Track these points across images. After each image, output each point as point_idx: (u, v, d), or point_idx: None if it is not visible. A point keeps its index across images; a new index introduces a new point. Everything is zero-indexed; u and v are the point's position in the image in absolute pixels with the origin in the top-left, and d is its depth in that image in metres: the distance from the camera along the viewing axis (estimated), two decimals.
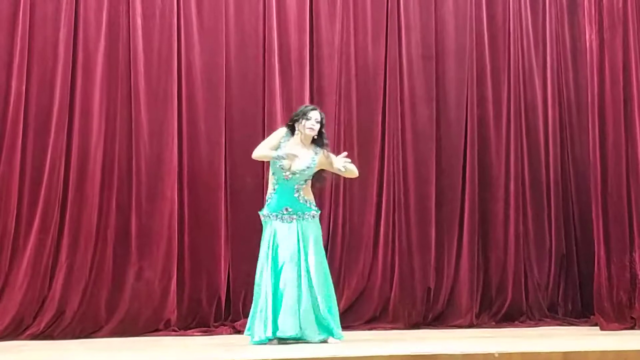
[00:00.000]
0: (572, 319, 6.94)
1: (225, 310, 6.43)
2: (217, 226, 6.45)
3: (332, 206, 6.69)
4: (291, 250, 5.27)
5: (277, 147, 5.37)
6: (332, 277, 6.54)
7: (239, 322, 6.35)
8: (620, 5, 6.62)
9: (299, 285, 5.23)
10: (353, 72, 6.82)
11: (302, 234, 5.33)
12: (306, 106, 5.59)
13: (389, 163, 6.80)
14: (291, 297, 5.18)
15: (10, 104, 6.10)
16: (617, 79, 6.58)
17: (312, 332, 5.22)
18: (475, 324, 6.76)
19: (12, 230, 6.04)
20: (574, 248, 7.13)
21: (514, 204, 6.99)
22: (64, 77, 6.21)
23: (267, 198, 5.41)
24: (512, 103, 7.08)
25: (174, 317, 6.27)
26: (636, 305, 6.46)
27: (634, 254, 6.50)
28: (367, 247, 6.71)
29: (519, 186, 7.03)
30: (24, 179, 6.12)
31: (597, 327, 6.44)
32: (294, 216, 5.35)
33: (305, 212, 5.37)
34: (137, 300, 6.23)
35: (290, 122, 5.47)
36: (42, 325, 5.99)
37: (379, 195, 6.78)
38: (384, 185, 6.78)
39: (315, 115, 5.44)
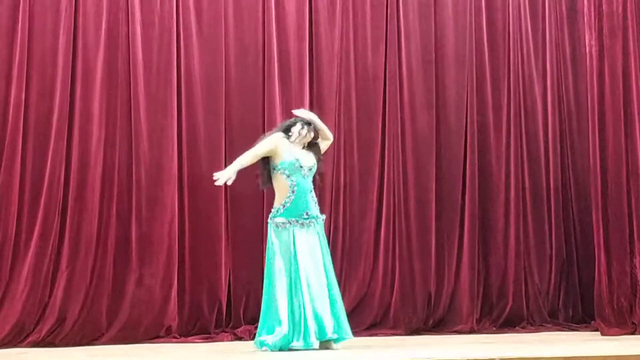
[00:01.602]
0: (572, 325, 6.93)
1: (226, 316, 6.43)
2: (218, 233, 6.45)
3: (333, 212, 6.69)
4: (316, 258, 5.29)
5: (263, 153, 5.39)
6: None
7: (239, 329, 6.36)
8: (620, 11, 6.63)
9: (330, 289, 5.29)
10: (353, 78, 6.83)
11: (322, 239, 5.37)
12: (290, 120, 5.61)
13: (389, 169, 6.80)
14: (327, 301, 5.24)
15: (10, 112, 6.11)
16: (617, 85, 6.59)
17: (345, 333, 5.34)
18: (476, 329, 6.76)
19: (13, 238, 6.05)
20: (575, 253, 7.13)
21: (514, 210, 6.99)
22: (64, 86, 6.22)
23: (281, 203, 5.36)
24: (512, 109, 7.08)
25: (174, 324, 6.28)
26: (637, 310, 6.46)
27: (634, 259, 6.50)
28: (367, 253, 6.72)
29: (519, 192, 7.03)
30: (24, 187, 6.13)
31: (598, 333, 6.44)
32: (313, 220, 5.36)
33: (318, 217, 5.41)
34: (138, 307, 6.23)
35: (283, 126, 5.52)
36: (43, 332, 6.00)
37: (379, 201, 6.78)
38: (384, 191, 6.78)
39: (301, 127, 5.47)
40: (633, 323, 6.45)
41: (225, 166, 6.50)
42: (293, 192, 5.36)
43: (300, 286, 5.23)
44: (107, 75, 6.34)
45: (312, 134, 5.50)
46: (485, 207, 6.98)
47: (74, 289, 6.12)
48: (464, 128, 6.96)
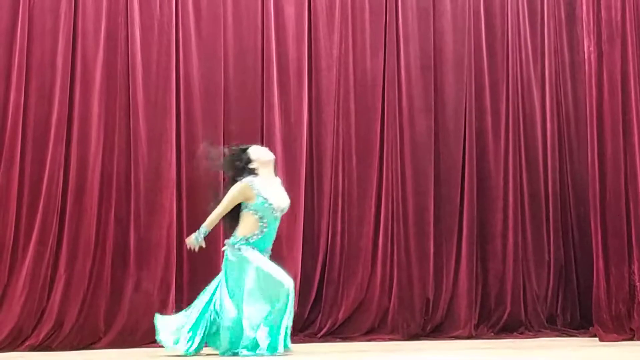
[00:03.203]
0: (570, 330, 6.93)
1: None
2: (216, 237, 6.40)
3: (331, 217, 6.69)
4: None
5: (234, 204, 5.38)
6: (331, 288, 6.63)
7: None
8: (619, 17, 6.65)
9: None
10: (351, 83, 6.83)
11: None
12: (234, 148, 5.59)
13: (388, 174, 6.80)
14: None
15: (9, 115, 6.11)
16: (616, 91, 6.60)
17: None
18: (474, 335, 6.75)
19: (11, 242, 6.04)
20: (573, 259, 7.13)
21: (512, 216, 6.99)
22: (63, 89, 6.22)
23: (246, 237, 5.33)
24: (510, 114, 7.09)
25: None
26: (635, 316, 6.46)
27: (632, 265, 6.50)
28: (365, 259, 6.71)
29: (518, 197, 7.03)
30: (23, 190, 6.12)
31: (596, 338, 6.45)
32: (267, 254, 5.43)
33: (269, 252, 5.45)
34: (136, 312, 6.22)
35: (239, 169, 5.45)
36: (41, 336, 5.98)
37: (378, 206, 6.78)
38: (383, 196, 6.78)
39: (257, 149, 5.52)
40: (631, 329, 6.45)
41: (224, 172, 6.51)
42: (263, 232, 5.37)
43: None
44: (106, 79, 6.34)
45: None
46: (483, 212, 6.98)
47: (72, 293, 6.11)
48: (463, 133, 6.96)
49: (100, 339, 6.15)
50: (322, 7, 6.80)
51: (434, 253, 6.83)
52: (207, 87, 6.54)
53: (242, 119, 6.62)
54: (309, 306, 6.59)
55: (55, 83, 6.21)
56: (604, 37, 6.64)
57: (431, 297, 6.76)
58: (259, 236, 5.35)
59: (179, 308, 6.30)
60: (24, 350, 5.91)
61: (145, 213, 6.32)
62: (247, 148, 5.55)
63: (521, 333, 6.83)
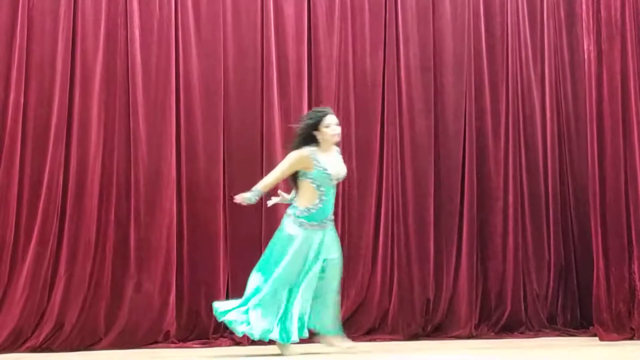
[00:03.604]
0: (571, 330, 6.93)
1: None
2: (216, 238, 6.45)
3: None
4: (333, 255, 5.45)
5: (290, 172, 5.43)
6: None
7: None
8: (619, 16, 6.64)
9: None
10: (351, 84, 6.83)
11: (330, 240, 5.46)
12: (317, 112, 5.58)
13: (388, 175, 6.80)
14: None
15: (9, 116, 6.10)
16: (616, 90, 6.60)
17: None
18: (474, 334, 6.75)
19: (11, 243, 6.04)
20: (573, 259, 7.12)
21: (512, 216, 6.99)
22: (62, 90, 6.21)
23: (308, 208, 5.38)
24: (510, 114, 7.08)
25: (173, 329, 6.27)
26: (635, 315, 6.46)
27: (632, 265, 6.50)
28: (365, 259, 6.70)
29: (518, 198, 7.03)
30: (23, 191, 6.12)
31: (596, 338, 6.44)
32: (328, 222, 5.46)
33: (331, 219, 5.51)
34: (136, 313, 6.22)
35: (304, 134, 5.47)
36: (41, 337, 5.99)
37: (378, 206, 6.77)
38: (383, 196, 6.77)
39: (332, 120, 5.47)
40: (631, 328, 6.45)
41: (224, 171, 6.54)
42: (321, 200, 5.39)
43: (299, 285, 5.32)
44: (106, 80, 6.33)
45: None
46: (483, 212, 6.98)
47: (72, 294, 6.11)
48: (463, 134, 6.95)
49: (100, 339, 6.15)
50: (322, 7, 6.79)
51: (434, 253, 6.83)
52: (207, 88, 6.54)
53: (242, 120, 6.62)
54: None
55: (55, 84, 6.21)
56: (604, 36, 6.63)
57: (431, 297, 6.76)
58: (319, 205, 5.37)
59: (179, 309, 6.32)
60: (24, 351, 5.92)
61: (145, 214, 6.32)
62: (325, 114, 5.50)
63: (521, 333, 6.83)
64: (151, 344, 6.21)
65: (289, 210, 5.49)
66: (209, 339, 6.33)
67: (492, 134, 7.05)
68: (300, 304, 5.33)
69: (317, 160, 5.39)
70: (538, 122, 7.15)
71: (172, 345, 6.22)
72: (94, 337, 6.14)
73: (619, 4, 6.67)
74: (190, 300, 6.38)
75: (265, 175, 6.48)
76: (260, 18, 6.68)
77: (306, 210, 5.39)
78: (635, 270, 6.50)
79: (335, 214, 6.64)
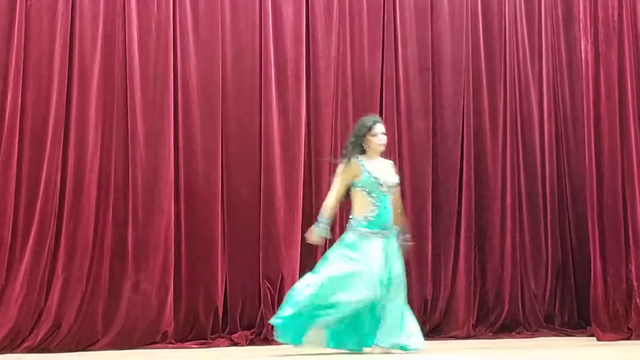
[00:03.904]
0: (568, 330, 6.94)
1: (222, 322, 6.40)
2: (214, 238, 6.44)
3: None
4: (397, 269, 5.35)
5: (347, 186, 5.35)
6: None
7: (236, 334, 6.34)
8: (616, 17, 6.66)
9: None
10: (349, 84, 6.83)
11: (390, 248, 5.36)
12: (366, 119, 5.53)
13: None
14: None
15: (6, 116, 6.07)
16: (613, 91, 6.62)
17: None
18: (472, 335, 6.76)
19: (9, 243, 6.00)
20: (570, 259, 7.14)
21: (510, 216, 7.00)
22: (60, 90, 6.19)
23: (365, 216, 5.30)
24: (508, 115, 7.10)
25: (170, 330, 6.25)
26: (632, 315, 6.49)
27: (629, 265, 6.52)
28: None
29: (515, 198, 7.05)
30: (20, 192, 6.09)
31: (594, 338, 6.46)
32: (390, 232, 5.36)
33: (393, 227, 5.40)
34: (134, 313, 6.20)
35: (352, 142, 5.42)
36: (39, 338, 5.96)
37: None
38: None
39: (379, 128, 5.43)
40: (629, 328, 6.47)
41: (222, 171, 6.52)
42: (377, 207, 5.33)
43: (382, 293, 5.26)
44: (104, 80, 6.32)
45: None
46: (481, 213, 6.99)
47: (70, 294, 6.09)
48: (461, 134, 6.97)
49: (98, 340, 6.13)
50: (320, 8, 6.79)
51: (432, 253, 6.83)
52: (205, 88, 6.53)
53: (240, 120, 6.61)
54: None
55: (53, 84, 6.19)
56: (601, 36, 6.65)
57: (429, 298, 6.76)
58: (375, 212, 5.31)
59: (177, 309, 6.31)
60: (21, 351, 5.89)
61: (143, 214, 6.30)
62: (374, 123, 5.46)
63: (519, 333, 6.85)
64: (149, 344, 6.19)
65: (350, 222, 5.41)
66: (207, 339, 6.32)
67: (490, 134, 7.07)
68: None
69: (364, 167, 5.36)
70: (536, 122, 7.16)
71: (170, 345, 6.20)
72: (92, 338, 6.12)
73: (616, 4, 6.69)
74: (188, 300, 6.37)
75: (264, 175, 6.55)
76: (258, 18, 6.68)
77: (364, 219, 5.34)
78: (633, 270, 6.52)
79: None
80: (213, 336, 6.35)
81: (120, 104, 6.35)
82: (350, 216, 5.41)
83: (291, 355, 5.28)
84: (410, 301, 6.65)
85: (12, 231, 6.03)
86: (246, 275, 6.50)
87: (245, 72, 6.64)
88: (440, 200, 6.91)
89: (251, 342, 6.35)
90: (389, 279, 5.28)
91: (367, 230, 5.29)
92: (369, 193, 5.32)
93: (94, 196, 6.21)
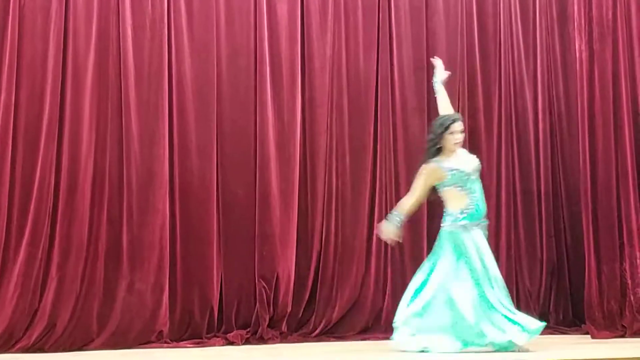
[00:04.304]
0: (563, 328, 6.94)
1: (217, 321, 6.39)
2: (209, 237, 6.42)
3: (325, 217, 6.67)
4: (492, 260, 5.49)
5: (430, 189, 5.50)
6: (325, 288, 6.64)
7: (231, 334, 6.33)
8: (610, 16, 6.67)
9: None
10: (345, 83, 6.81)
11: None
12: (444, 119, 5.61)
13: (381, 174, 6.79)
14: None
15: (0, 115, 6.05)
16: (607, 90, 6.63)
17: None
18: None
19: (2, 243, 5.97)
20: (565, 257, 7.14)
21: (505, 214, 7.00)
22: (54, 89, 6.16)
23: (462, 210, 5.42)
24: (503, 113, 7.10)
25: (166, 329, 6.23)
26: (627, 313, 6.50)
27: (624, 263, 6.54)
28: (359, 258, 6.70)
29: (510, 196, 7.05)
30: (14, 191, 6.06)
31: (588, 336, 6.46)
32: (484, 224, 5.47)
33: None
34: (129, 313, 6.18)
35: (431, 141, 5.52)
36: (33, 338, 5.94)
37: (371, 206, 6.76)
38: (376, 196, 6.76)
39: (457, 127, 5.51)
40: (623, 326, 6.48)
41: (217, 171, 6.50)
42: (473, 198, 5.43)
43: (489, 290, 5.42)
44: (98, 79, 6.28)
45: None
46: None
47: (64, 294, 6.07)
48: None
49: (93, 340, 6.11)
50: (315, 6, 6.77)
51: (428, 252, 6.79)
52: (199, 87, 6.51)
53: (235, 119, 6.59)
54: (303, 306, 6.57)
55: (46, 83, 6.15)
56: (595, 35, 6.66)
57: None
58: (472, 203, 5.41)
59: (172, 309, 6.29)
60: (16, 352, 5.87)
61: (138, 213, 6.28)
62: (453, 121, 5.55)
63: None
64: (144, 344, 6.17)
65: (446, 220, 5.51)
66: (202, 338, 6.30)
67: (485, 133, 7.06)
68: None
69: (445, 167, 5.42)
70: (530, 121, 7.17)
71: (165, 345, 6.19)
72: (87, 338, 6.10)
73: (610, 3, 6.70)
74: (183, 300, 6.36)
75: (259, 174, 6.54)
76: (253, 17, 6.65)
77: (460, 212, 5.42)
78: (627, 268, 6.54)
79: (329, 213, 6.69)
80: (208, 335, 6.33)
81: (114, 103, 6.32)
82: (445, 213, 5.53)
83: (287, 354, 5.28)
84: None
85: (5, 231, 6.01)
86: (242, 274, 6.49)
87: (240, 71, 6.62)
88: (435, 199, 6.89)
89: (247, 342, 6.34)
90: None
91: (468, 222, 5.36)
92: (462, 188, 5.38)
93: (88, 195, 6.19)
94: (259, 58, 6.62)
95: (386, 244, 6.70)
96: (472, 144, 6.99)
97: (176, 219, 6.38)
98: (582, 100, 6.63)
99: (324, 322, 6.54)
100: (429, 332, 5.43)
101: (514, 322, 5.40)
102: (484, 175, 6.96)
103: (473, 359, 5.30)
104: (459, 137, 5.55)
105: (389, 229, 5.48)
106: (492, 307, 5.40)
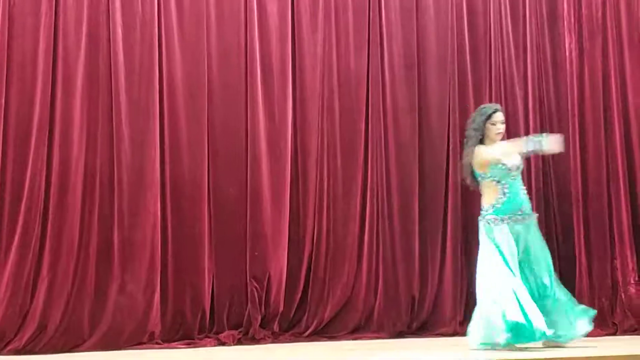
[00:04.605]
0: None
1: (209, 322, 6.37)
2: (201, 238, 6.40)
3: (316, 217, 6.66)
4: (541, 252, 5.46)
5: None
6: (317, 288, 6.63)
7: (223, 334, 6.31)
8: (600, 15, 6.71)
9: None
10: (335, 82, 6.81)
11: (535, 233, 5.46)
12: (485, 109, 5.64)
13: (372, 173, 6.79)
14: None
15: None
16: (597, 88, 6.67)
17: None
18: (459, 332, 6.73)
19: None
20: (556, 255, 7.12)
21: None
22: (44, 90, 6.13)
23: (492, 204, 5.43)
24: None
25: (157, 330, 6.21)
26: (617, 311, 6.53)
27: (615, 261, 6.57)
28: (351, 257, 6.69)
29: None
30: (4, 192, 6.04)
31: None
32: (527, 216, 5.43)
33: (530, 211, 5.48)
34: (120, 314, 6.16)
35: (473, 130, 5.54)
36: (24, 340, 5.91)
37: (363, 205, 6.76)
38: (368, 195, 6.76)
39: (499, 117, 5.52)
40: (614, 323, 6.51)
41: (208, 170, 6.48)
42: (505, 193, 5.41)
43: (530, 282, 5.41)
44: (88, 79, 6.26)
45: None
46: (468, 210, 6.96)
47: (55, 295, 6.04)
48: (447, 132, 6.95)
49: (84, 341, 6.08)
50: (306, 5, 6.77)
51: (419, 251, 6.83)
52: (190, 86, 6.49)
53: (226, 118, 6.58)
54: (295, 305, 6.56)
55: (37, 83, 6.12)
56: (585, 34, 6.70)
57: (417, 295, 6.76)
58: (504, 198, 5.40)
59: (163, 309, 6.28)
60: (7, 354, 5.83)
61: (129, 214, 6.25)
62: (494, 111, 5.58)
63: None
64: (136, 345, 6.15)
65: (481, 212, 5.53)
66: (194, 339, 6.28)
67: None
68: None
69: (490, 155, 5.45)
70: (521, 119, 7.17)
71: (157, 346, 6.16)
72: (78, 339, 6.07)
73: (600, 2, 6.74)
74: (175, 300, 6.34)
75: (251, 174, 6.54)
76: (243, 16, 6.63)
77: (491, 207, 5.43)
78: (618, 266, 6.57)
79: (320, 212, 6.68)
80: (200, 336, 6.31)
81: (105, 103, 6.30)
82: (481, 209, 5.55)
83: (279, 354, 5.28)
84: (398, 299, 6.74)
85: None
86: (233, 274, 6.48)
87: (231, 71, 6.61)
88: (427, 198, 6.91)
89: (238, 342, 6.33)
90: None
91: (495, 217, 5.38)
92: (498, 182, 5.41)
93: (79, 196, 6.16)
94: (250, 57, 6.61)
95: (377, 243, 6.74)
96: (462, 143, 7.00)
97: (167, 219, 6.37)
98: (572, 98, 6.67)
99: (315, 321, 6.53)
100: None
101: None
102: None
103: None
104: (501, 127, 5.56)
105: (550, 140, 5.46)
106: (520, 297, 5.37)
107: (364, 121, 6.83)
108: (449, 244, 6.87)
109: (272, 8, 6.68)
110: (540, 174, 7.16)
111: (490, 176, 5.48)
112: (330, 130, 6.77)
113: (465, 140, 5.70)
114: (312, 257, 6.63)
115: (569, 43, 6.70)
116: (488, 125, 5.55)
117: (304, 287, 6.61)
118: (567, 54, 6.72)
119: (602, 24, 6.71)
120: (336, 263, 6.66)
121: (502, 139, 5.74)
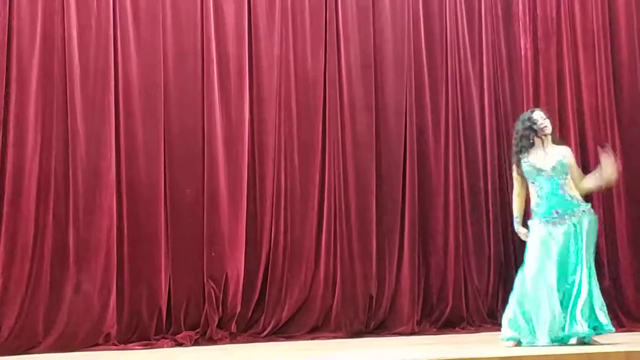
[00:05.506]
0: None
1: (166, 323, 6.34)
2: (157, 238, 6.38)
3: (274, 217, 6.67)
4: (568, 251, 5.36)
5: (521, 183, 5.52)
6: (274, 288, 6.63)
7: (180, 335, 6.29)
8: (554, 15, 6.78)
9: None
10: (292, 82, 6.82)
11: (577, 232, 5.38)
12: (524, 114, 5.62)
13: (330, 173, 6.81)
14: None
15: None
16: (552, 88, 6.74)
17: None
18: (416, 331, 6.80)
19: None
20: (513, 254, 7.20)
21: (453, 212, 7.06)
22: None
23: (533, 207, 5.45)
24: (450, 111, 7.16)
25: (113, 331, 6.17)
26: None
27: None
28: (308, 257, 6.71)
29: (458, 194, 7.11)
30: None
31: None
32: (565, 217, 5.39)
33: (575, 209, 5.41)
34: (76, 315, 6.10)
35: (520, 137, 5.50)
36: None
37: (320, 205, 6.78)
38: (325, 195, 6.79)
39: (538, 115, 5.51)
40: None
41: (165, 171, 6.46)
42: (540, 195, 5.42)
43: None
44: (43, 79, 6.21)
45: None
46: (424, 209, 7.04)
47: (10, 297, 5.96)
48: (404, 131, 7.01)
49: (39, 343, 6.01)
50: (262, 6, 6.78)
51: (377, 250, 6.86)
52: (146, 87, 6.46)
53: (182, 119, 6.56)
54: (253, 305, 6.56)
55: None
56: (540, 34, 6.77)
57: (374, 295, 6.79)
58: (539, 200, 5.41)
59: (120, 310, 6.23)
60: None
61: (84, 214, 6.21)
62: (532, 112, 5.57)
63: (463, 328, 6.91)
64: (91, 346, 6.10)
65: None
66: (150, 340, 6.25)
67: (432, 131, 7.12)
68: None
69: (526, 159, 5.46)
70: (477, 118, 7.24)
71: (113, 347, 6.12)
72: (33, 341, 6.00)
73: (554, 3, 6.81)
74: (131, 301, 6.30)
75: (207, 174, 6.52)
76: (200, 17, 6.63)
77: (533, 209, 5.46)
78: None
79: (278, 212, 6.68)
80: (157, 337, 6.28)
81: (59, 104, 6.25)
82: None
83: (237, 355, 5.26)
84: (355, 298, 6.75)
85: None
86: (190, 275, 6.45)
87: (187, 71, 6.60)
88: (384, 198, 6.94)
89: (195, 343, 6.30)
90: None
91: (538, 219, 5.40)
92: (532, 183, 5.46)
93: (33, 197, 6.10)
94: (206, 58, 6.60)
95: (335, 242, 6.76)
96: (419, 142, 7.06)
97: (123, 219, 6.33)
98: (528, 98, 6.74)
99: (273, 321, 6.53)
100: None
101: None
102: (431, 174, 7.09)
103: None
104: (545, 123, 5.50)
105: (520, 232, 5.56)
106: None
107: (322, 121, 6.86)
108: (406, 242, 6.91)
109: (229, 9, 6.69)
110: (496, 173, 7.28)
111: (528, 178, 5.53)
112: (288, 130, 6.78)
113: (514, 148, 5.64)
114: (269, 258, 6.63)
115: (524, 43, 6.77)
116: (535, 128, 5.48)
117: (261, 287, 6.61)
118: (522, 53, 6.79)
119: (557, 24, 6.79)
120: (293, 263, 6.66)
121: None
